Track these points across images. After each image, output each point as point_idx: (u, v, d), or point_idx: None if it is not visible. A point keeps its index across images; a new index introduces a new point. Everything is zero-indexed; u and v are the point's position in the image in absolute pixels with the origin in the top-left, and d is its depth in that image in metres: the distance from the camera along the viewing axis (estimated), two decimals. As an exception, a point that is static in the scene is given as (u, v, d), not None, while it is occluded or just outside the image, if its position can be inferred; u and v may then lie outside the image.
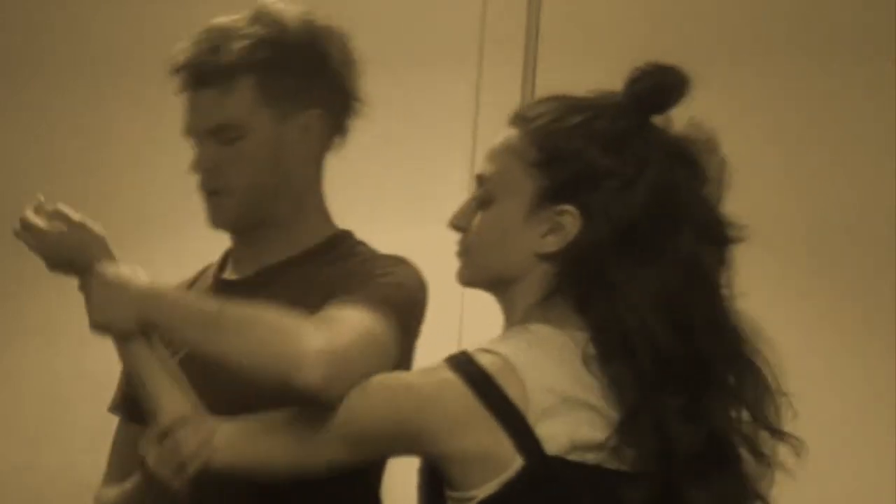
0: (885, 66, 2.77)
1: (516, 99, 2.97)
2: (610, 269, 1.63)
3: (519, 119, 1.72)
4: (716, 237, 1.68)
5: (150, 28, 3.23)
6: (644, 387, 1.60)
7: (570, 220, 1.64)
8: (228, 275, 2.03)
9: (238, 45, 1.91)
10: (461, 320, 2.88)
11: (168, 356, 1.80)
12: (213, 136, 1.93)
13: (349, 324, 1.71)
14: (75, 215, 1.84)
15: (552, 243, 1.66)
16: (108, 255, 1.83)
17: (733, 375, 1.66)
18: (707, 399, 1.64)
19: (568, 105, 1.71)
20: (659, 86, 1.68)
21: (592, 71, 2.92)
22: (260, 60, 1.92)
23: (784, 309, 2.77)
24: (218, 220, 1.98)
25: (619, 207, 1.63)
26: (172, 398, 1.76)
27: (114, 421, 2.07)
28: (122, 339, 1.79)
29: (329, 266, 1.93)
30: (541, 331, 1.65)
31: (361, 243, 2.01)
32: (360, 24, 3.12)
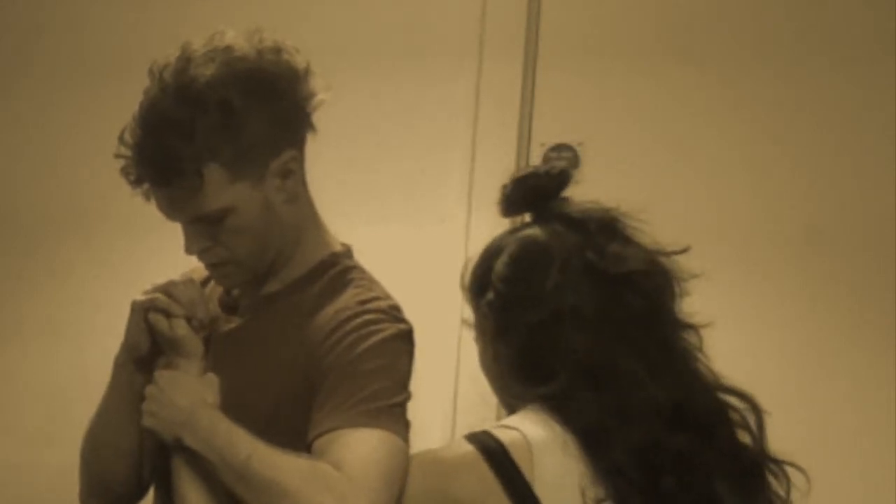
0: (886, 66, 2.77)
1: (516, 99, 2.97)
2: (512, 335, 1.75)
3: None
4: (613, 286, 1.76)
5: (149, 28, 3.23)
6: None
7: (487, 312, 1.79)
8: (236, 293, 2.01)
9: (188, 142, 1.80)
10: (461, 318, 2.88)
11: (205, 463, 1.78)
12: (197, 221, 1.87)
13: (364, 471, 1.71)
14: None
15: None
16: (195, 355, 1.87)
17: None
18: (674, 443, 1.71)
19: None
20: (529, 190, 1.81)
21: (592, 71, 2.95)
22: (217, 145, 1.81)
23: (783, 307, 2.78)
24: (229, 284, 1.98)
25: (508, 283, 1.76)
26: None
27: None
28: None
29: (316, 298, 1.90)
30: (538, 410, 1.74)
31: (349, 269, 1.95)
32: (360, 25, 3.15)
